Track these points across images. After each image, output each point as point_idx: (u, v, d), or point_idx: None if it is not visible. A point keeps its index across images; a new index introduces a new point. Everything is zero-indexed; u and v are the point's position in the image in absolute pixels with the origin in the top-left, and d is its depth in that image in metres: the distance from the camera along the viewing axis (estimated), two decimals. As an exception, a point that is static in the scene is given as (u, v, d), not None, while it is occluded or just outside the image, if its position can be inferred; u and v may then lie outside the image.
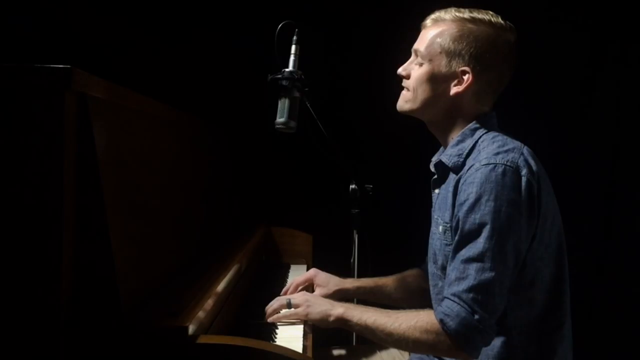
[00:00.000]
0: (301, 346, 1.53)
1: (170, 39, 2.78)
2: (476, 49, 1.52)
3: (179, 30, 2.79)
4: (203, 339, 1.24)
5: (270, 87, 1.95)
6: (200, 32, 2.81)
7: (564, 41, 2.84)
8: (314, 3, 2.76)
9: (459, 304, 1.39)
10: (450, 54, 1.54)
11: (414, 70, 1.61)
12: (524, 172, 1.43)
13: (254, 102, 2.57)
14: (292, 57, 1.99)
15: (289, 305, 1.63)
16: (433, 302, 1.66)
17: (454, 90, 1.55)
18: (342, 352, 1.94)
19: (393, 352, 1.86)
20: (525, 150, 1.49)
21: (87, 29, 2.67)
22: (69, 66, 1.15)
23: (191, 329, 1.23)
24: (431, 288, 1.67)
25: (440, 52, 1.55)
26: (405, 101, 1.63)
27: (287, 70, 1.96)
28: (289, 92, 1.95)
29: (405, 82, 1.64)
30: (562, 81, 2.85)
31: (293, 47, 2.00)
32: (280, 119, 1.95)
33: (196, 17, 2.82)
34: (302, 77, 1.96)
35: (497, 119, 1.61)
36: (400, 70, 1.65)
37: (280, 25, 1.96)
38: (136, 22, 2.72)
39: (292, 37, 2.00)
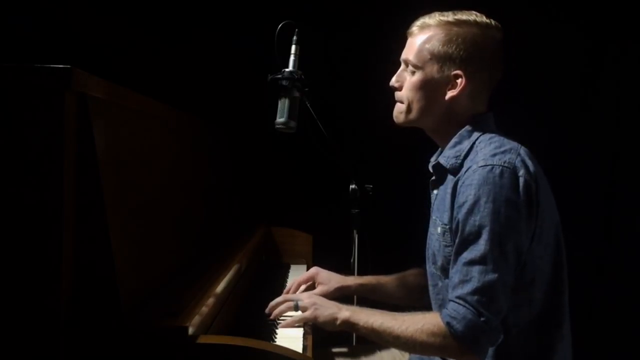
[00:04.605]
0: (301, 346, 1.54)
1: (170, 39, 2.78)
2: (466, 51, 1.52)
3: (179, 30, 2.79)
4: (203, 339, 1.25)
5: (270, 87, 1.95)
6: (200, 32, 2.81)
7: (564, 41, 2.83)
8: (314, 3, 2.76)
9: (464, 306, 1.39)
10: (441, 59, 1.54)
11: (406, 81, 1.60)
12: (521, 172, 1.43)
13: (254, 102, 2.57)
14: (292, 57, 1.99)
15: (296, 307, 1.63)
16: (432, 301, 1.66)
17: (449, 94, 1.55)
18: (342, 352, 1.94)
19: (393, 351, 1.86)
20: (522, 150, 1.49)
21: (87, 29, 2.67)
22: (69, 66, 1.15)
23: (191, 329, 1.23)
24: (430, 288, 1.67)
25: (431, 58, 1.54)
26: (401, 112, 1.62)
27: (287, 70, 1.96)
28: (289, 92, 1.95)
29: (398, 95, 1.63)
30: (562, 81, 2.84)
31: (293, 47, 2.00)
32: (280, 119, 1.95)
33: (196, 17, 2.82)
34: (302, 77, 1.96)
35: (496, 118, 1.61)
36: (393, 82, 1.63)
37: (280, 25, 1.96)
38: (136, 22, 2.72)
39: (292, 37, 2.00)
